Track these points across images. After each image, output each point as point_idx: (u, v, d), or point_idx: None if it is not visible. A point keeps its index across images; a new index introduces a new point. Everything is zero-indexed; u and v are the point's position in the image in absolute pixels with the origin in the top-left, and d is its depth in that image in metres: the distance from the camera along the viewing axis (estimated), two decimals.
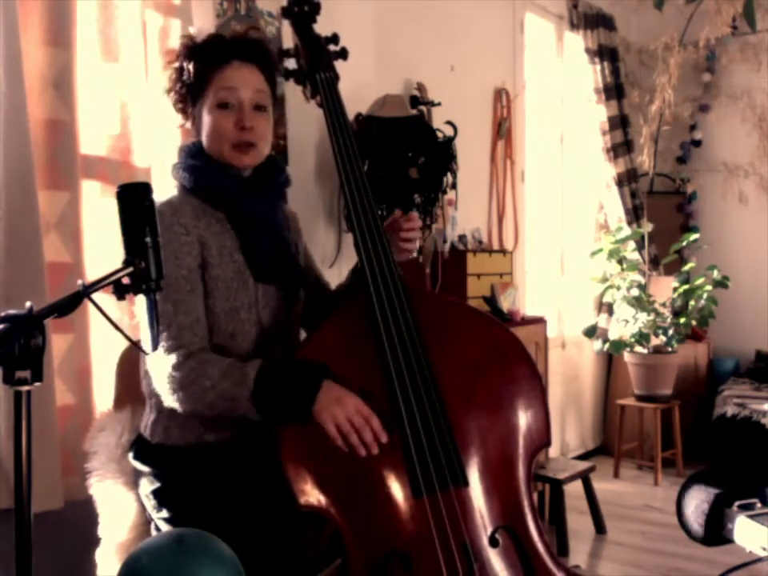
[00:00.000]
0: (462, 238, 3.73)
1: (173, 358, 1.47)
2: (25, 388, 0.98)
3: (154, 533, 1.58)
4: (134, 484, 1.65)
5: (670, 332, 4.47)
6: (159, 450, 1.58)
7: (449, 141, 3.21)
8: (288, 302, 1.65)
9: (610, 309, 4.87)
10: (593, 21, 4.76)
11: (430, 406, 1.47)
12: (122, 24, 2.23)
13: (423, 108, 3.31)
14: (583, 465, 3.76)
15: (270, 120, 1.64)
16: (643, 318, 4.46)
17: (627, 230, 4.82)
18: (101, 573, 1.66)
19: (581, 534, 3.57)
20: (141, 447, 1.62)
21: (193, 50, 1.61)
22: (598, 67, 4.81)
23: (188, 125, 1.67)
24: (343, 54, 1.80)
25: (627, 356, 4.55)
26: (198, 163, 1.62)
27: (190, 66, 1.59)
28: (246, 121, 1.57)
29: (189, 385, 1.46)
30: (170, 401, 1.49)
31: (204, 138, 1.61)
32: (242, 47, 1.61)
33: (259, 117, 1.60)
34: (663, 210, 5.21)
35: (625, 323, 4.56)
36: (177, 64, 1.62)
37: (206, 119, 1.59)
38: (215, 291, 1.54)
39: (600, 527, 3.63)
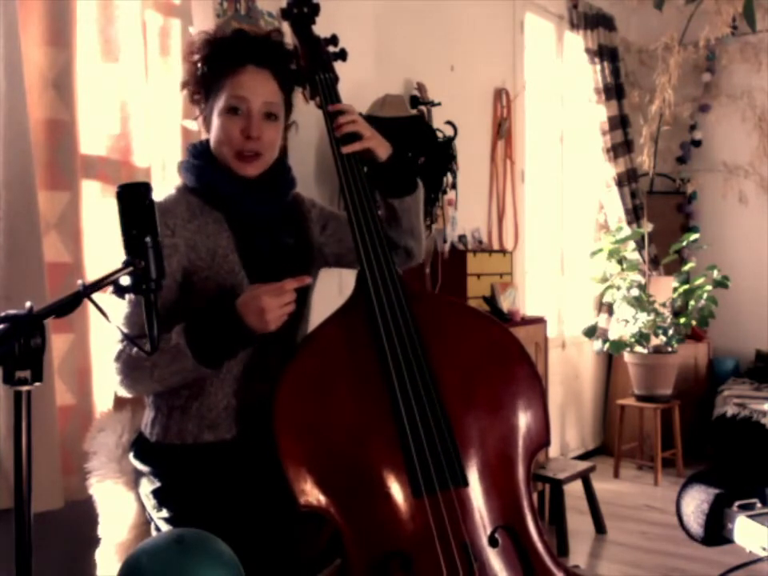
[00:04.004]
0: (461, 237, 3.73)
1: (115, 349, 1.50)
2: (25, 388, 0.98)
3: (153, 533, 1.58)
4: (134, 484, 1.65)
5: (670, 332, 4.47)
6: (158, 448, 1.59)
7: (449, 141, 3.21)
8: None
9: (610, 309, 4.87)
10: (593, 21, 4.76)
11: (430, 407, 1.47)
12: (122, 24, 2.23)
13: (423, 108, 3.31)
14: (583, 465, 3.77)
15: (279, 128, 1.63)
16: (643, 317, 4.46)
17: (627, 230, 4.82)
18: (101, 573, 1.66)
19: (581, 533, 3.57)
20: (141, 446, 1.63)
21: (210, 48, 1.60)
22: (598, 67, 4.81)
23: (199, 121, 1.67)
24: (342, 55, 1.80)
25: (627, 356, 4.55)
26: (200, 163, 1.63)
27: (206, 66, 1.59)
28: (252, 130, 1.57)
29: (131, 371, 1.49)
30: (123, 389, 1.53)
31: (211, 140, 1.62)
32: (258, 51, 1.60)
33: (268, 125, 1.60)
34: (663, 210, 5.21)
35: (625, 323, 4.56)
36: (196, 57, 1.61)
37: (215, 122, 1.60)
38: (205, 292, 1.55)
39: (600, 527, 3.63)
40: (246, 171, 1.60)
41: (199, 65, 1.61)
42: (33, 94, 1.98)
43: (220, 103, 1.58)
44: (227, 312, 1.45)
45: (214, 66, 1.59)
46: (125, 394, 1.56)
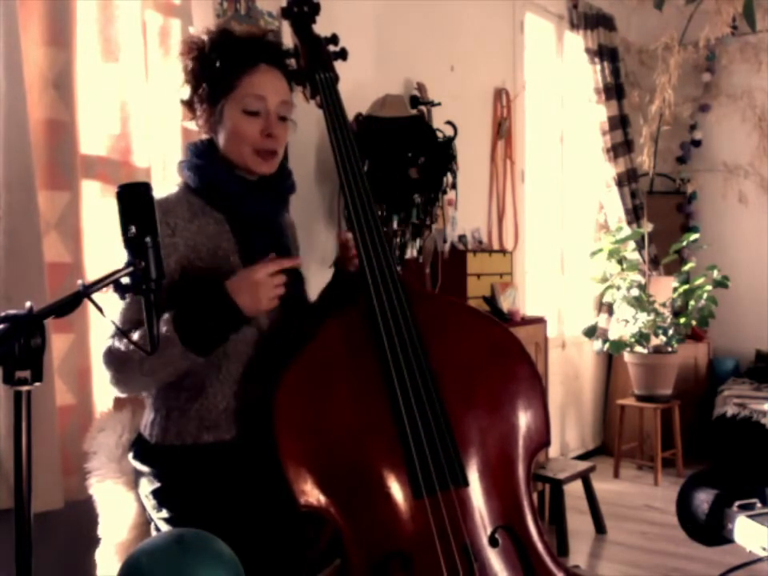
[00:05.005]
0: (461, 237, 3.73)
1: (103, 347, 1.48)
2: (25, 388, 0.98)
3: (153, 533, 1.58)
4: (134, 484, 1.65)
5: (670, 332, 4.47)
6: (158, 449, 1.58)
7: (449, 141, 3.21)
8: (286, 304, 1.64)
9: (610, 309, 4.87)
10: (593, 21, 4.76)
11: (430, 407, 1.48)
12: (122, 24, 2.23)
13: (423, 108, 3.31)
14: (583, 465, 3.77)
15: (288, 127, 1.65)
16: (643, 317, 4.46)
17: (627, 230, 4.82)
18: (101, 573, 1.66)
19: (581, 533, 3.57)
20: (140, 447, 1.62)
21: (221, 47, 1.58)
22: (598, 67, 4.81)
23: (197, 122, 1.65)
24: (343, 54, 1.80)
25: (627, 356, 4.55)
26: (202, 162, 1.61)
27: (217, 64, 1.57)
28: (272, 129, 1.58)
29: (120, 365, 1.46)
30: (116, 387, 1.50)
31: (223, 139, 1.60)
32: (269, 50, 1.61)
33: (282, 125, 1.61)
34: (663, 210, 5.21)
35: (625, 323, 4.56)
36: (194, 54, 1.59)
37: (230, 122, 1.58)
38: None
39: (600, 527, 3.63)
40: (263, 169, 1.60)
41: (208, 65, 1.58)
42: (33, 94, 1.98)
43: (235, 102, 1.57)
44: (216, 292, 1.44)
45: (226, 67, 1.57)
46: (120, 393, 1.55)
